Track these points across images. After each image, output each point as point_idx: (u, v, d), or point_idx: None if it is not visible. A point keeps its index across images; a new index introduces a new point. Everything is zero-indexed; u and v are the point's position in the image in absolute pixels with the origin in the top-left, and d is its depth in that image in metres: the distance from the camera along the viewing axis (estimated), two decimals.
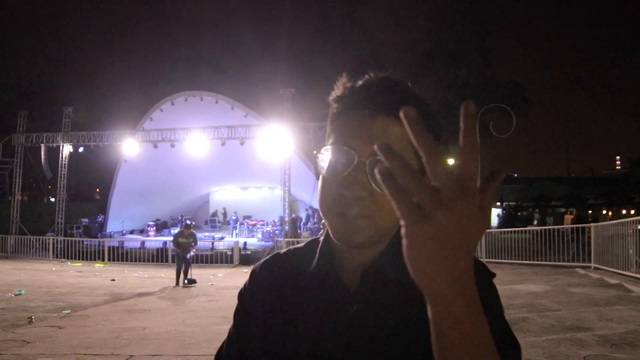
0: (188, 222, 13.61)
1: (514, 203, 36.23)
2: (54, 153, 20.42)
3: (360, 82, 0.75)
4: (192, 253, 11.08)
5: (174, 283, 10.71)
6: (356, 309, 0.71)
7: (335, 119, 0.75)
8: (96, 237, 19.56)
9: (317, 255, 0.79)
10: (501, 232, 14.16)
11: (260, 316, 0.79)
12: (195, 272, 11.32)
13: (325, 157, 0.72)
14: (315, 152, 0.95)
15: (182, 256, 10.81)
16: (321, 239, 0.81)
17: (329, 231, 0.74)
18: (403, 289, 0.68)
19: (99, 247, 16.99)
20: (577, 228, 11.47)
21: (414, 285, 0.65)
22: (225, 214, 24.62)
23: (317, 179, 0.77)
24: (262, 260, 0.87)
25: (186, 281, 10.75)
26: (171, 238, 19.63)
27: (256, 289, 0.83)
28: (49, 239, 17.31)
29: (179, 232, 11.67)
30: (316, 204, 0.86)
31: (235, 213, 22.77)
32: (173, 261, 15.41)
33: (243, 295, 0.85)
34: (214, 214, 25.06)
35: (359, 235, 0.69)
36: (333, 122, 0.76)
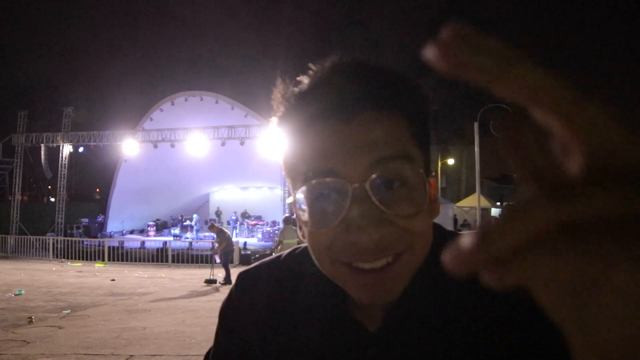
0: (212, 219, 13.38)
1: (514, 203, 36.17)
2: (54, 153, 20.42)
3: (310, 80, 0.53)
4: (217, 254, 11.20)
5: (175, 284, 10.76)
6: (375, 352, 0.56)
7: (289, 145, 0.53)
8: (96, 237, 19.56)
9: (320, 280, 0.58)
10: None
11: (247, 343, 0.64)
12: (195, 272, 11.35)
13: (304, 202, 0.50)
14: (289, 203, 0.54)
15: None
16: None
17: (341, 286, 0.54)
18: (434, 332, 0.55)
19: (99, 247, 16.98)
20: None
21: (448, 324, 0.54)
22: (219, 215, 24.33)
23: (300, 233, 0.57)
24: (252, 270, 0.69)
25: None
26: (171, 238, 19.80)
27: (243, 308, 0.66)
28: (49, 239, 17.31)
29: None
30: None
31: (235, 213, 22.75)
32: (173, 261, 15.50)
33: (225, 313, 0.68)
34: (219, 216, 24.87)
35: (390, 293, 0.50)
36: (289, 150, 0.53)
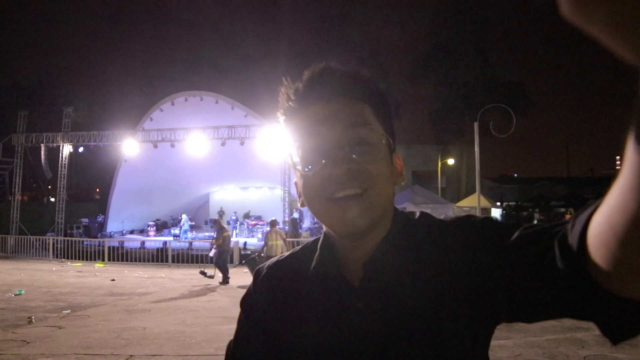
0: (212, 219, 13.43)
1: (514, 203, 36.22)
2: (54, 153, 20.41)
3: (303, 81, 0.74)
4: (213, 251, 11.36)
5: (175, 284, 10.77)
6: (362, 305, 0.70)
7: (291, 125, 0.75)
8: (96, 237, 19.55)
9: (317, 252, 0.77)
10: None
11: (264, 322, 0.79)
12: (195, 272, 11.39)
13: (298, 155, 0.72)
14: (290, 154, 0.76)
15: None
16: (321, 236, 0.79)
17: (325, 227, 0.74)
18: (408, 278, 0.68)
19: (99, 247, 16.98)
20: None
21: (419, 273, 0.69)
22: (221, 215, 24.38)
23: (297, 189, 0.75)
24: (265, 266, 0.86)
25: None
26: (171, 238, 19.78)
27: (259, 295, 0.82)
28: (49, 239, 17.30)
29: None
30: None
31: (235, 213, 22.75)
32: (173, 261, 15.50)
33: (245, 302, 0.84)
34: (220, 216, 24.71)
35: (358, 220, 0.67)
36: (291, 128, 0.75)
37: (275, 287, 0.80)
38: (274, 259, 0.86)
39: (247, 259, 11.01)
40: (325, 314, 0.72)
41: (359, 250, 0.73)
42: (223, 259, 11.05)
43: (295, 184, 0.76)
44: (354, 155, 0.68)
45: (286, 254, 0.86)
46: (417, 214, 0.78)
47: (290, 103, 0.74)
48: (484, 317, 0.66)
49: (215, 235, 11.44)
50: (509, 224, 0.65)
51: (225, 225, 12.67)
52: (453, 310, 0.65)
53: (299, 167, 0.72)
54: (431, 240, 0.71)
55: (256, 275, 0.85)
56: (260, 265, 0.86)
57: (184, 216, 21.78)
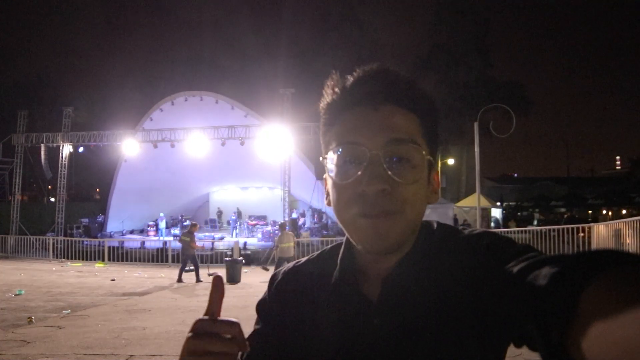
0: (212, 219, 13.86)
1: (514, 203, 36.23)
2: (54, 153, 20.42)
3: (353, 78, 0.70)
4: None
5: (175, 283, 10.87)
6: (378, 322, 0.68)
7: (332, 122, 0.71)
8: (96, 237, 19.55)
9: (338, 264, 0.75)
10: (501, 233, 14.19)
11: (278, 329, 0.77)
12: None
13: (333, 160, 0.68)
14: (321, 158, 0.76)
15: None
16: (342, 245, 0.77)
17: (351, 239, 0.71)
18: (424, 298, 0.67)
19: (99, 247, 16.98)
20: (573, 228, 11.52)
21: (436, 292, 0.67)
22: (220, 215, 24.36)
23: (325, 186, 0.73)
24: (282, 271, 0.84)
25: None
26: (171, 238, 19.75)
27: (275, 301, 0.80)
28: (49, 239, 17.31)
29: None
30: (316, 204, 0.81)
31: (235, 213, 22.73)
32: (173, 261, 15.49)
33: (261, 307, 0.82)
34: (219, 216, 24.71)
35: (388, 238, 0.65)
36: (330, 126, 0.71)
37: (291, 296, 0.78)
38: (290, 265, 0.84)
39: (226, 260, 11.52)
40: (339, 328, 0.70)
41: (380, 264, 0.71)
42: (184, 260, 11.55)
43: (325, 180, 0.73)
44: (391, 173, 0.64)
45: (303, 259, 0.84)
46: (435, 225, 0.76)
47: (334, 97, 0.71)
48: (494, 340, 0.64)
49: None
50: (518, 250, 0.61)
51: (223, 226, 13.04)
52: (463, 331, 0.64)
53: (332, 174, 0.68)
54: (448, 259, 0.69)
55: (272, 281, 0.83)
56: (275, 272, 0.85)
57: (161, 215, 21.66)
